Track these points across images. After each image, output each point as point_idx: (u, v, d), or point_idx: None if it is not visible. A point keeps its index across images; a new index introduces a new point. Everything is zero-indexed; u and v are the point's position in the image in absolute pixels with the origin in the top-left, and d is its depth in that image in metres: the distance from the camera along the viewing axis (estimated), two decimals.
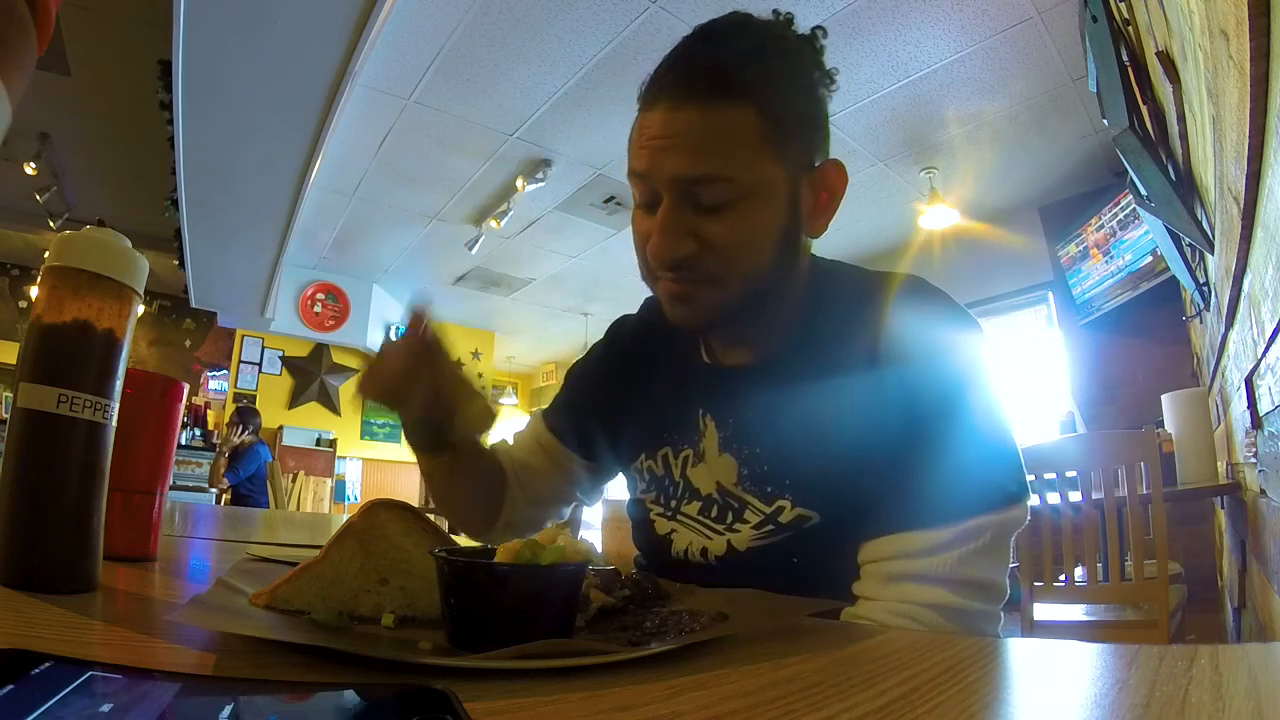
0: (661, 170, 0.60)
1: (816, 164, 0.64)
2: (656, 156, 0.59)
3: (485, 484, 0.85)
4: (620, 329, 0.87)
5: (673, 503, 0.74)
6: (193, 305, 5.47)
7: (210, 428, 5.86)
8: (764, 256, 0.62)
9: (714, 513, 0.70)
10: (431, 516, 0.47)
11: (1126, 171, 1.82)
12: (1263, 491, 1.52)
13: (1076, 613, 1.96)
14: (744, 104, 0.58)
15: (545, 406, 0.91)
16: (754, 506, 0.67)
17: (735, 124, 0.58)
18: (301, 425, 6.27)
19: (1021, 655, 0.40)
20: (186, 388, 0.69)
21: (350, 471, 6.41)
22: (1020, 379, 4.20)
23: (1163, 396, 2.57)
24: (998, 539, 0.58)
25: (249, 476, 4.37)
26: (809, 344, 0.67)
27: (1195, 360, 3.14)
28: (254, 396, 6.13)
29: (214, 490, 4.48)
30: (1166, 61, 1.53)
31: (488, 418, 0.71)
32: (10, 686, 0.19)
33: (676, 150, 0.59)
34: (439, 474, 0.80)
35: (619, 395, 0.82)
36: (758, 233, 0.61)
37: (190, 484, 4.60)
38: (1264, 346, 1.25)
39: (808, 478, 0.64)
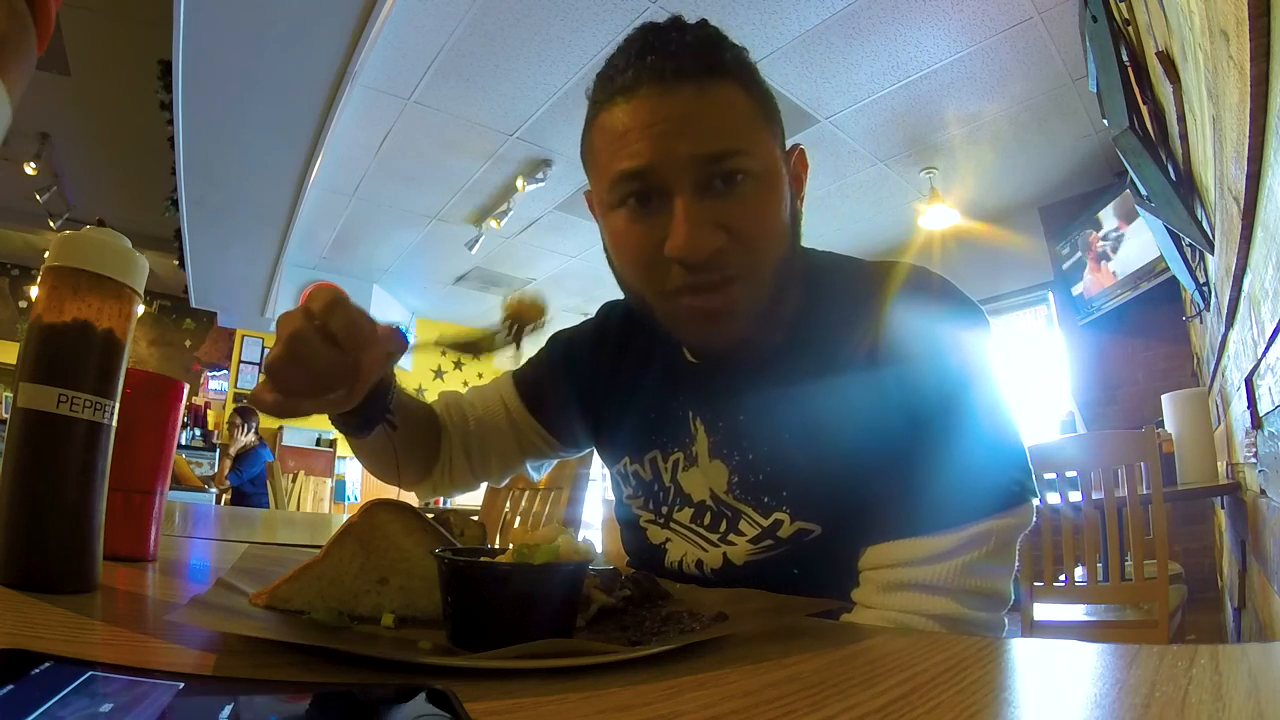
0: (675, 155, 0.53)
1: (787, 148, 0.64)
2: (664, 142, 0.53)
3: (420, 449, 0.77)
4: (609, 315, 0.82)
5: (664, 509, 0.71)
6: (193, 305, 5.48)
7: (210, 427, 5.86)
8: (784, 240, 0.59)
9: (707, 520, 0.67)
10: (430, 516, 0.47)
11: (1126, 171, 1.82)
12: (1263, 491, 1.51)
13: (1076, 613, 1.96)
14: (732, 81, 0.56)
15: (517, 367, 0.84)
16: (749, 517, 0.64)
17: (732, 100, 0.56)
18: (301, 425, 6.25)
19: (1021, 655, 0.39)
20: (186, 388, 0.69)
21: (350, 471, 6.40)
22: (1021, 379, 4.20)
23: (1163, 396, 2.57)
24: (1003, 544, 0.56)
25: (251, 478, 4.38)
26: (804, 342, 0.63)
27: (1195, 360, 3.15)
28: None
29: (214, 490, 4.49)
30: (1166, 61, 1.53)
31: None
32: (10, 686, 0.19)
33: (686, 131, 0.53)
34: (369, 447, 0.70)
35: (602, 383, 0.77)
36: (776, 214, 0.58)
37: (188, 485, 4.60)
38: (1264, 346, 1.25)
39: (806, 486, 0.61)
